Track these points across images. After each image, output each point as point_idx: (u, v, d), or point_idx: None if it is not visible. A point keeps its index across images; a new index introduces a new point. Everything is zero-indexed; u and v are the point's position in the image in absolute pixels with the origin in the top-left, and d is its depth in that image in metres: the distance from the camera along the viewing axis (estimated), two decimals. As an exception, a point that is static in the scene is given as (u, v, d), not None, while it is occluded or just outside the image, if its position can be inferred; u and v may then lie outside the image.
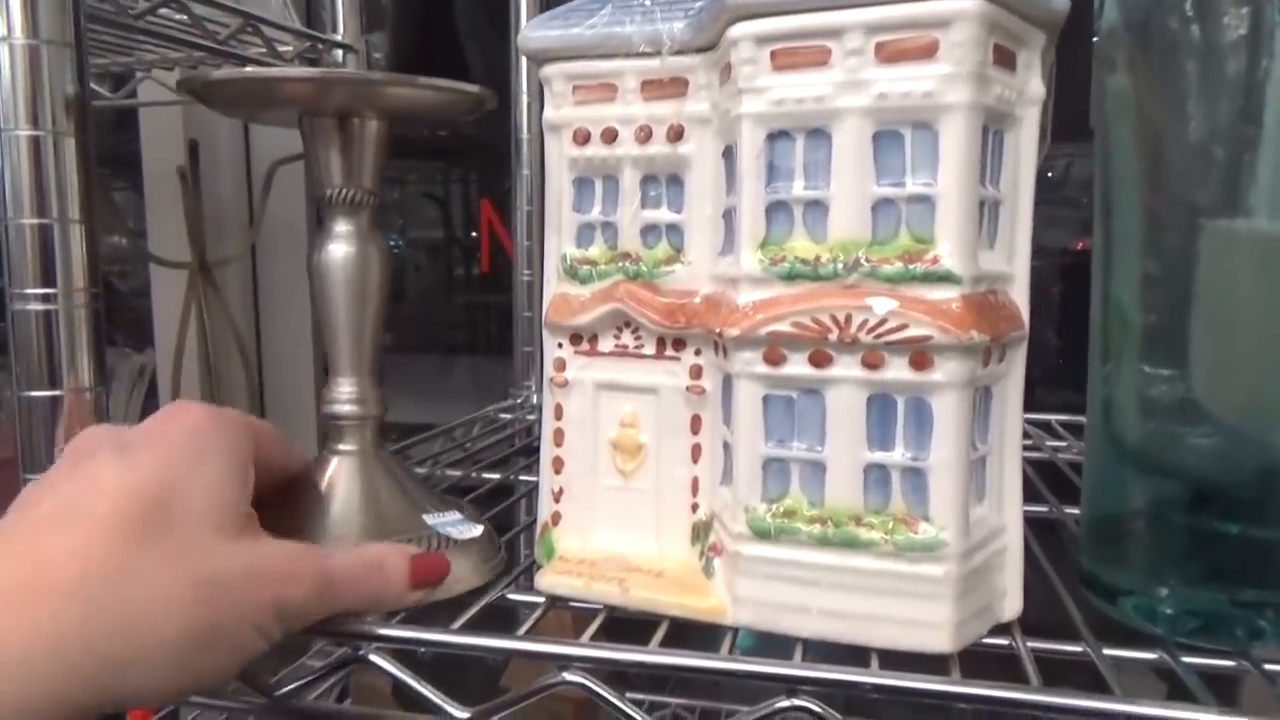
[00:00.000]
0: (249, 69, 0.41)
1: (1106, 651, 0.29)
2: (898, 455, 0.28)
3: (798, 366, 0.29)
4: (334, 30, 0.57)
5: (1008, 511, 0.31)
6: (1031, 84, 0.29)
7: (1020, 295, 0.30)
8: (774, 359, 0.29)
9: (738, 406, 0.30)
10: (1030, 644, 0.30)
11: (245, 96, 0.42)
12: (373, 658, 0.29)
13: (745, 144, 0.29)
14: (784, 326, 0.28)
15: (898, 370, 0.28)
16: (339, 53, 0.62)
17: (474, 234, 0.91)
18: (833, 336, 0.28)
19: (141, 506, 0.25)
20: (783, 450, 0.29)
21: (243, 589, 0.26)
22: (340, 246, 0.40)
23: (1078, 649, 0.30)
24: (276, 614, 0.27)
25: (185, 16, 0.49)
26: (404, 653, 0.29)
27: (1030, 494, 0.47)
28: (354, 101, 0.39)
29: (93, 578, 0.24)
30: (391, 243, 0.99)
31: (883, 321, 0.27)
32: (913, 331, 0.27)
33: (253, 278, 0.81)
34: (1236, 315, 0.30)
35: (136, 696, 0.24)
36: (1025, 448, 0.55)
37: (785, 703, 0.26)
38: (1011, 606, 0.31)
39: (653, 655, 0.28)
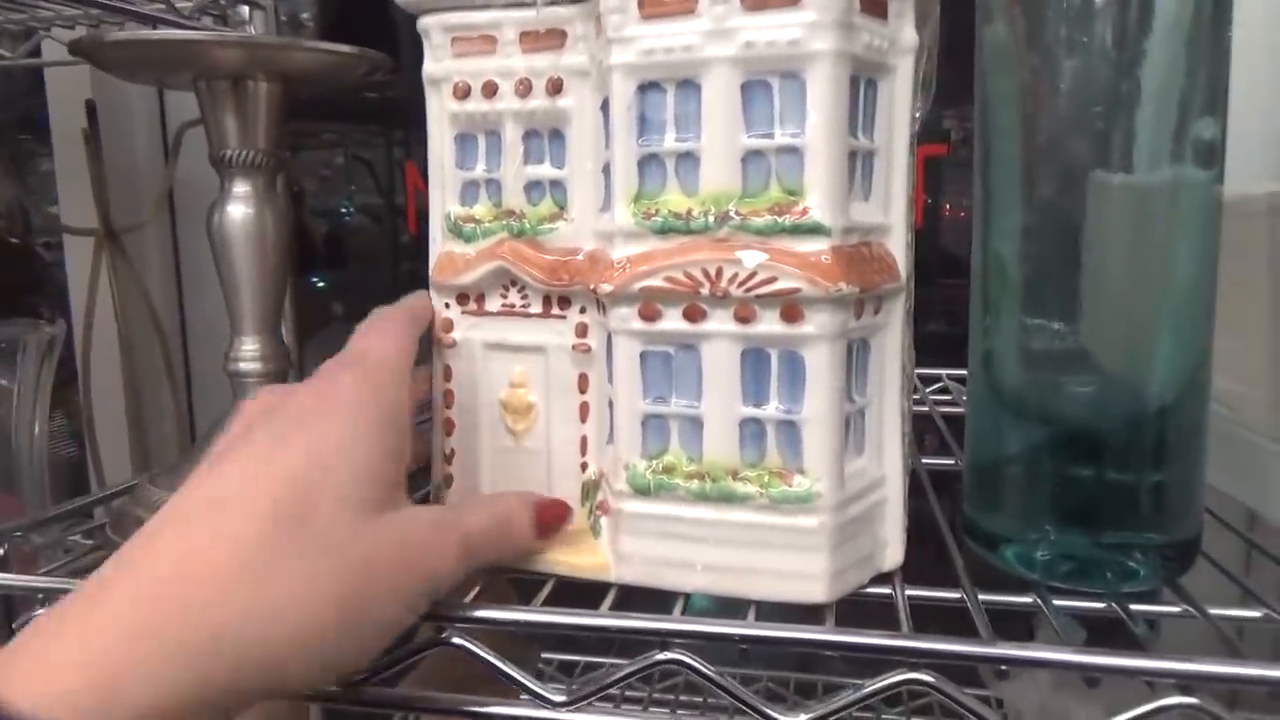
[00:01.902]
0: (142, 32, 0.40)
1: (983, 597, 0.30)
2: (772, 409, 0.28)
3: (672, 322, 0.28)
4: (240, -15, 0.55)
5: (888, 463, 0.31)
6: (904, 33, 0.29)
7: (898, 247, 0.30)
8: (649, 314, 0.28)
9: (616, 363, 0.30)
10: (911, 592, 0.30)
11: (139, 60, 0.41)
12: (457, 640, 0.27)
13: (616, 96, 0.28)
14: (656, 281, 0.28)
15: (769, 324, 0.27)
16: (245, 9, 0.59)
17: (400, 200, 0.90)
18: (704, 290, 0.27)
19: (290, 495, 0.25)
20: (661, 407, 0.29)
21: (391, 571, 0.26)
22: (238, 207, 0.40)
23: (956, 595, 0.30)
24: (426, 590, 0.27)
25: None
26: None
27: (940, 447, 0.48)
28: (247, 64, 0.39)
29: (242, 569, 0.23)
30: (343, 209, 0.97)
31: (752, 274, 0.27)
32: (781, 284, 0.27)
33: (173, 244, 0.79)
34: (1111, 266, 0.30)
35: (302, 683, 0.24)
36: (943, 402, 0.57)
37: (660, 656, 0.26)
38: (893, 556, 0.31)
39: (531, 614, 0.28)
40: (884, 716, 0.66)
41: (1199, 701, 0.24)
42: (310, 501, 0.25)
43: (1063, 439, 0.31)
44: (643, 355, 0.29)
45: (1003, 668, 0.25)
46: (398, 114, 0.86)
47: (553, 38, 0.31)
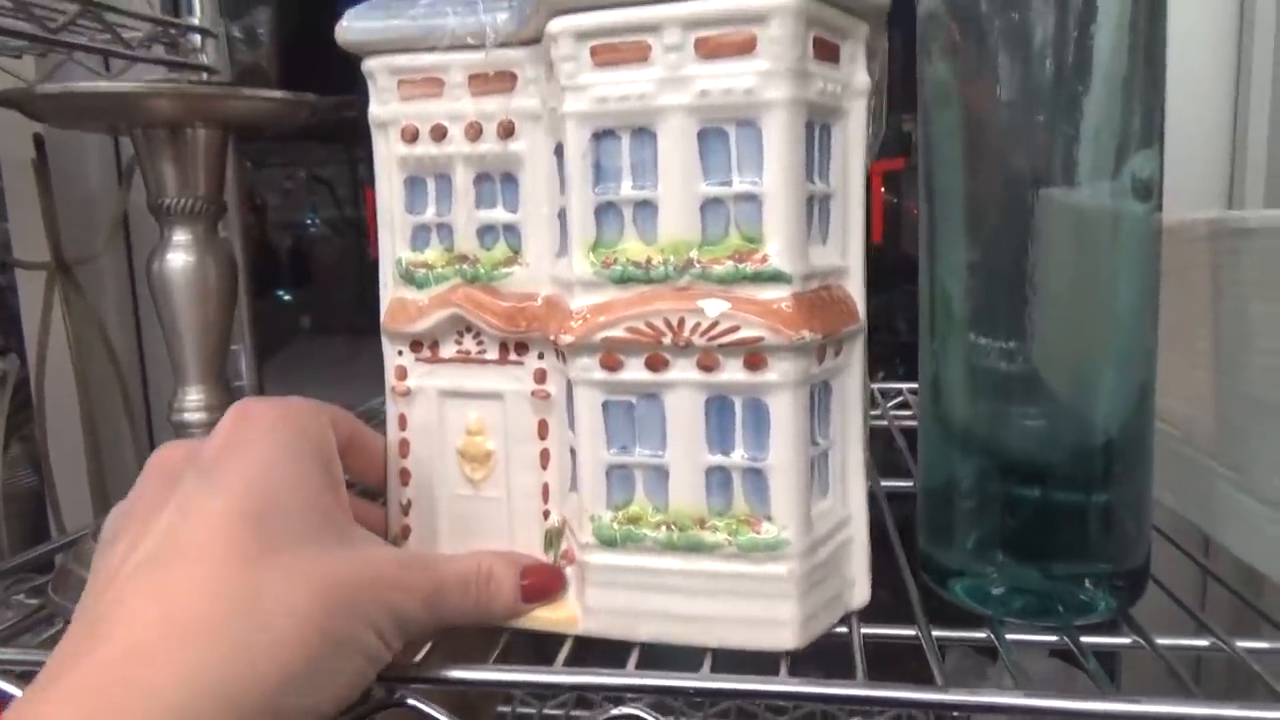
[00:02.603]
0: (74, 84, 0.39)
1: (939, 633, 0.29)
2: (737, 457, 0.28)
3: (635, 371, 0.28)
4: (190, 13, 0.52)
5: (852, 502, 0.31)
6: (857, 76, 0.29)
7: (856, 288, 0.30)
8: (611, 364, 0.28)
9: (578, 414, 0.29)
10: (867, 630, 0.30)
11: (72, 111, 0.40)
12: (411, 701, 0.26)
13: (571, 144, 0.28)
14: (618, 332, 0.27)
15: (733, 372, 0.27)
16: (196, 38, 0.57)
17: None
18: (667, 340, 0.27)
19: (245, 528, 0.24)
20: (625, 457, 0.29)
21: (362, 596, 0.25)
22: (179, 256, 0.39)
23: (912, 633, 0.30)
24: (395, 623, 0.26)
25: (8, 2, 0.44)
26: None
27: (902, 469, 0.48)
28: (183, 113, 0.38)
29: (226, 611, 0.23)
30: (308, 220, 0.95)
31: (715, 324, 0.27)
32: (744, 333, 0.26)
33: (129, 275, 0.76)
34: (1055, 298, 0.30)
35: (307, 716, 0.24)
36: (903, 416, 0.57)
37: (615, 711, 0.26)
38: (860, 594, 0.31)
39: (484, 673, 0.27)
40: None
41: None
42: (267, 535, 0.25)
43: (1011, 470, 0.31)
44: (605, 405, 0.28)
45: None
46: (359, 131, 0.85)
47: (503, 80, 0.30)
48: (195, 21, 0.49)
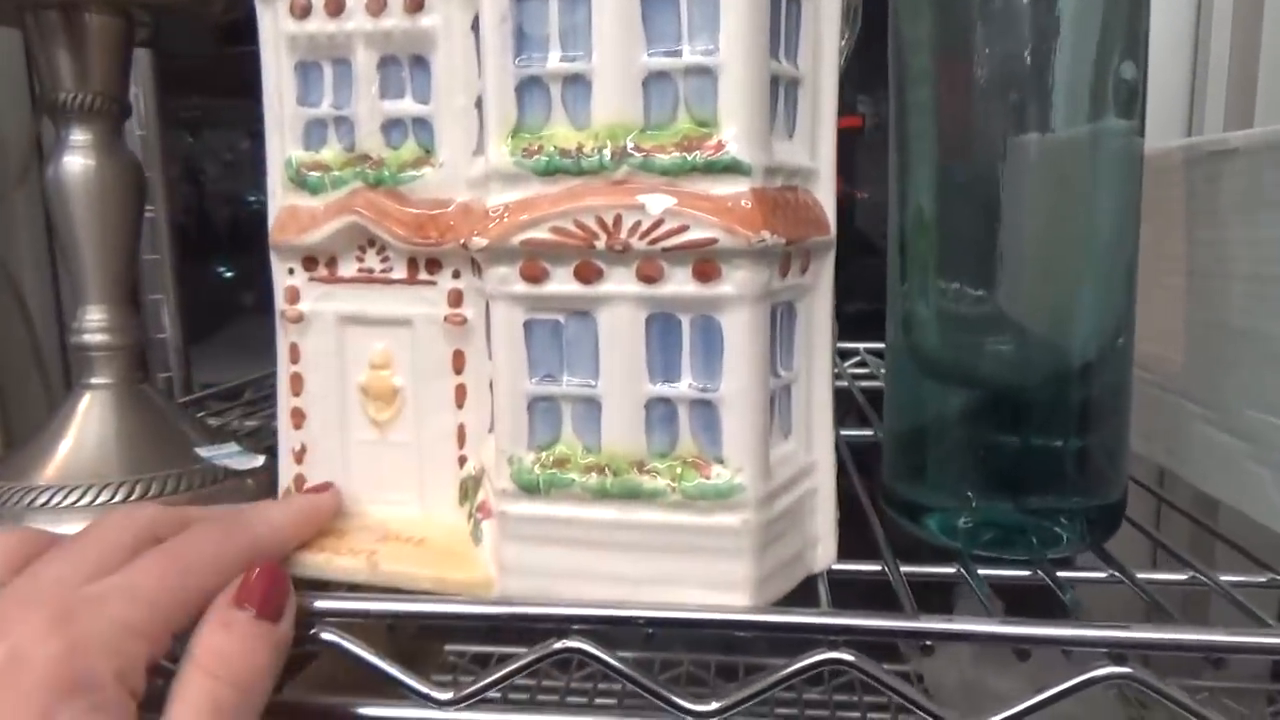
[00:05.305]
0: None
1: (904, 569, 0.27)
2: (684, 386, 0.23)
3: (562, 283, 0.23)
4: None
5: (818, 447, 0.26)
6: (831, -58, 0.24)
7: (826, 195, 0.25)
8: (533, 274, 0.23)
9: (496, 335, 0.24)
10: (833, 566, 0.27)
11: None
12: (327, 636, 0.23)
13: (487, 5, 0.22)
14: (541, 233, 0.22)
15: (680, 283, 0.22)
16: None
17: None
18: (600, 243, 0.22)
19: None
20: (551, 387, 0.24)
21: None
22: (76, 159, 0.35)
23: (877, 568, 0.27)
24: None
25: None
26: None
27: (860, 422, 0.45)
28: None
29: None
30: (250, 197, 0.88)
31: (658, 223, 0.22)
32: (694, 234, 0.22)
33: (46, 215, 0.69)
34: (1032, 223, 0.27)
35: None
36: (861, 375, 0.53)
37: (558, 644, 0.23)
38: (825, 554, 0.26)
39: (409, 605, 0.24)
40: (805, 696, 0.62)
41: (1132, 671, 0.22)
42: None
43: (984, 403, 0.28)
44: (527, 325, 0.23)
45: (926, 642, 0.21)
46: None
47: (410, -59, 0.25)
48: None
